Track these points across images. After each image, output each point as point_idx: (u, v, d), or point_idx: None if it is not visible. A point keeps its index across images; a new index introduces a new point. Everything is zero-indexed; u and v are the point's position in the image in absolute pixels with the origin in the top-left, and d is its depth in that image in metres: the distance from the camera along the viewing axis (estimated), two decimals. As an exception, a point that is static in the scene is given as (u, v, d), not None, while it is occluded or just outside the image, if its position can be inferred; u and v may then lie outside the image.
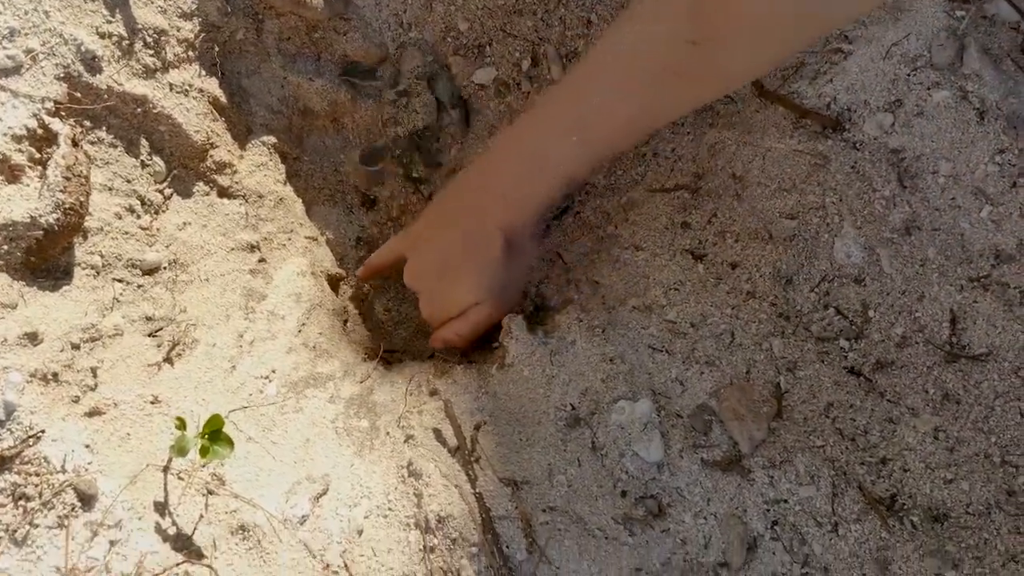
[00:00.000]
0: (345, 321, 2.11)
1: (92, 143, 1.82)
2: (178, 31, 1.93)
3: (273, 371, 1.87)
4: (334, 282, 2.15)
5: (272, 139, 2.13)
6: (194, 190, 2.00)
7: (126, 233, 1.84)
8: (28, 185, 1.68)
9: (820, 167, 1.80)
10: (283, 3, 2.06)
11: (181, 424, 1.58)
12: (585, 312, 1.84)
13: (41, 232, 1.65)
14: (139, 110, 1.86)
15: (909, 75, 1.81)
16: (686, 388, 1.73)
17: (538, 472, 1.69)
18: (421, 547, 1.61)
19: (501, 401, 1.82)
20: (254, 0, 2.06)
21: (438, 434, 1.76)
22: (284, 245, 2.10)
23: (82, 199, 1.71)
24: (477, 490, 1.61)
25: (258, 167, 2.11)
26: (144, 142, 1.91)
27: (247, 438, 1.75)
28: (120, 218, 1.83)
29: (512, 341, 1.87)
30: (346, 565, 1.61)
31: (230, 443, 1.58)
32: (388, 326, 2.34)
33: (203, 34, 1.97)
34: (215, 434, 1.57)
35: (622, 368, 1.74)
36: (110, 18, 1.81)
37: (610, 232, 2.12)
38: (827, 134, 1.82)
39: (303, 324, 2.00)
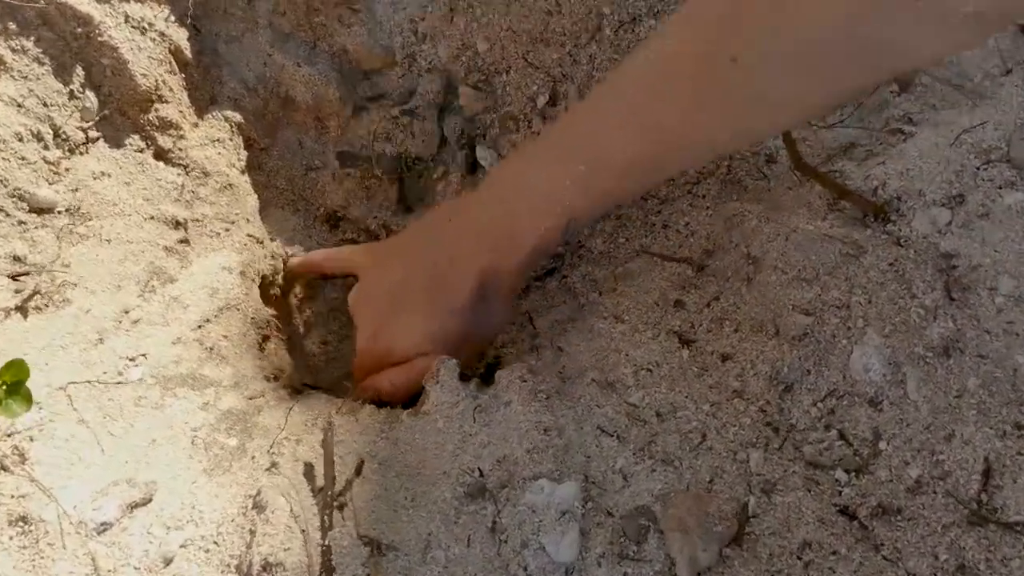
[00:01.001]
0: (265, 338, 1.78)
1: (13, 49, 1.57)
2: (151, -38, 1.71)
3: (145, 356, 1.53)
4: (266, 292, 1.83)
5: (238, 117, 1.87)
6: (127, 142, 1.73)
7: (23, 159, 1.57)
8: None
9: (852, 258, 1.46)
10: (284, -29, 1.83)
11: (-18, 367, 1.25)
12: (533, 374, 1.48)
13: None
14: (80, 31, 1.62)
15: (979, 169, 1.48)
16: (629, 484, 1.35)
17: (412, 540, 1.30)
18: (232, 597, 1.22)
19: (400, 450, 1.46)
20: (253, -41, 1.83)
21: (308, 469, 1.39)
22: (218, 234, 1.80)
23: (-34, 92, 1.44)
24: (327, 542, 1.22)
25: (212, 142, 1.84)
26: (79, 71, 1.66)
27: (79, 419, 1.40)
28: (21, 140, 1.56)
29: (436, 386, 1.52)
30: (135, 599, 1.23)
31: (28, 401, 1.25)
32: (318, 360, 1.99)
33: (181, -24, 1.74)
34: (15, 386, 1.23)
35: (556, 442, 1.37)
36: (71, -82, 1.59)
37: (592, 300, 1.78)
38: (867, 222, 1.48)
39: (207, 321, 1.67)
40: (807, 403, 1.48)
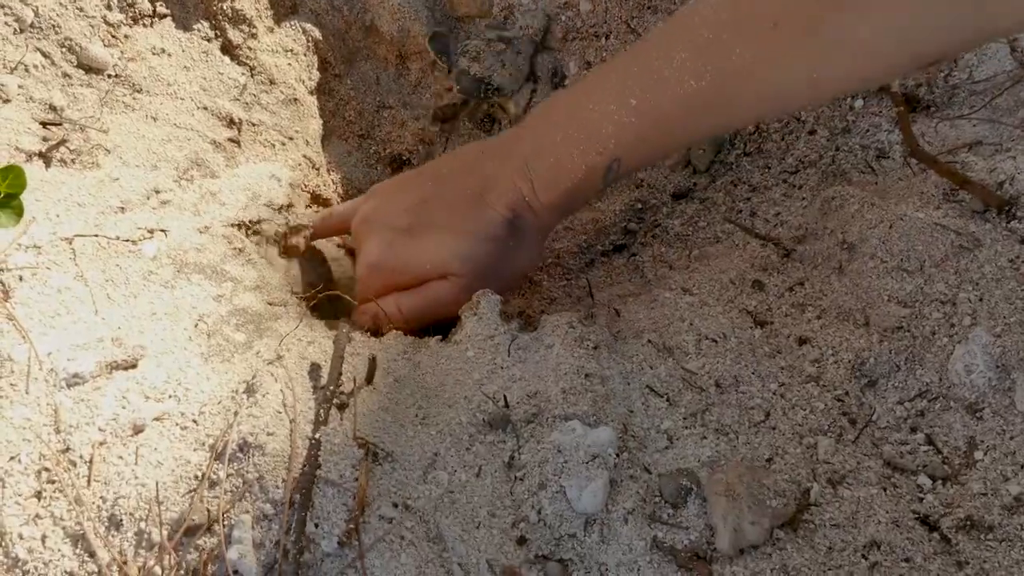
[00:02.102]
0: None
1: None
2: None
3: (165, 233, 1.40)
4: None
5: (317, 33, 1.76)
6: (195, 26, 1.63)
7: (81, 10, 1.48)
8: None
9: (965, 251, 1.27)
10: None
11: (-14, 174, 1.12)
12: (584, 325, 1.31)
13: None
14: None
15: None
16: (673, 446, 1.17)
17: (415, 456, 1.13)
18: (198, 475, 1.05)
19: (420, 371, 1.29)
20: None
21: (314, 369, 1.23)
22: (273, 145, 1.68)
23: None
24: (317, 435, 1.05)
25: (285, 51, 1.73)
26: (160, -61, 1.57)
27: (78, 274, 1.27)
28: (82, -8, 1.47)
29: (472, 318, 1.35)
30: (89, 462, 1.07)
31: (18, 215, 1.12)
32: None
33: None
34: (8, 199, 1.10)
35: (597, 389, 1.19)
36: None
37: (660, 274, 1.60)
38: (988, 216, 1.29)
39: (240, 223, 1.54)
40: (892, 400, 1.28)
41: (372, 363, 1.16)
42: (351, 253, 1.74)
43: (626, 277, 1.71)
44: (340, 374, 1.15)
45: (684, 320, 1.42)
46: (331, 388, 1.12)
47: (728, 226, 1.68)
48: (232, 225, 1.52)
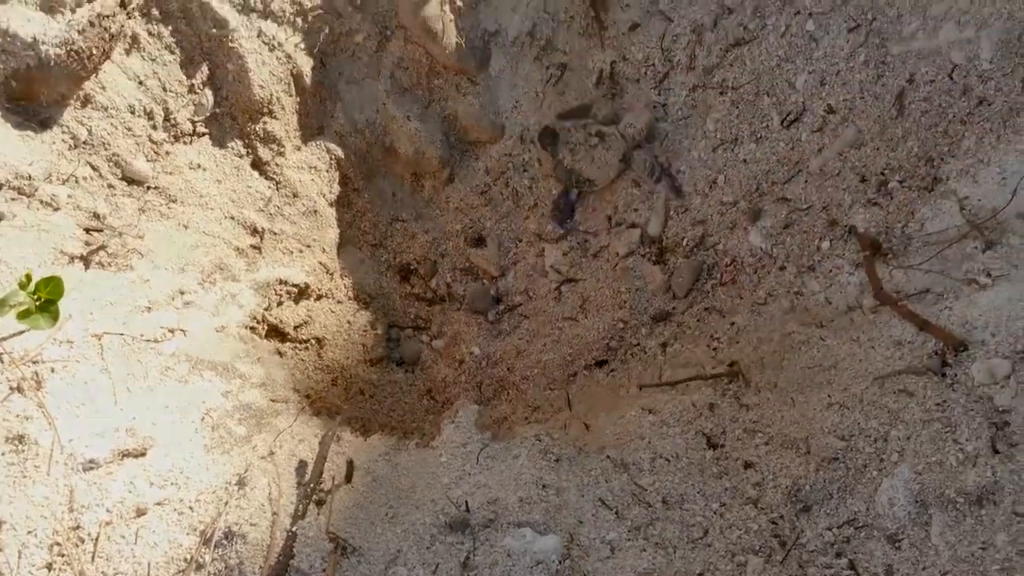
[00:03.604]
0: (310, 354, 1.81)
1: (150, 33, 1.71)
2: (296, -8, 1.85)
3: (185, 333, 1.58)
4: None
5: (340, 153, 1.96)
6: (229, 144, 1.83)
7: (129, 130, 1.68)
8: (55, 19, 1.57)
9: (902, 393, 1.40)
10: (416, 29, 1.95)
11: (26, 281, 1.31)
12: (551, 438, 1.46)
13: (35, 59, 1.51)
14: (214, 31, 1.75)
15: (1050, 330, 1.42)
16: (614, 556, 1.30)
17: (379, 551, 1.27)
18: (187, 558, 1.21)
19: (397, 472, 1.44)
20: (388, 12, 1.96)
21: (301, 465, 1.39)
22: (291, 252, 1.86)
23: (95, 52, 1.57)
24: (295, 529, 1.21)
25: (309, 168, 1.93)
26: (204, 69, 1.78)
27: (103, 367, 1.44)
28: (133, 113, 1.68)
29: (451, 425, 1.51)
30: (96, 539, 1.23)
31: (54, 318, 1.29)
32: (365, 401, 1.99)
33: (320, 12, 1.87)
34: (47, 304, 1.28)
35: (552, 499, 1.33)
36: (235, -63, 1.75)
37: (633, 392, 1.75)
38: (928, 364, 1.44)
39: (256, 323, 1.72)
40: (822, 526, 1.40)
41: (350, 465, 1.32)
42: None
43: (604, 390, 1.85)
44: (322, 472, 1.30)
45: (644, 438, 1.56)
46: (311, 485, 1.28)
47: (698, 350, 1.82)
48: (246, 327, 1.69)
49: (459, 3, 2.00)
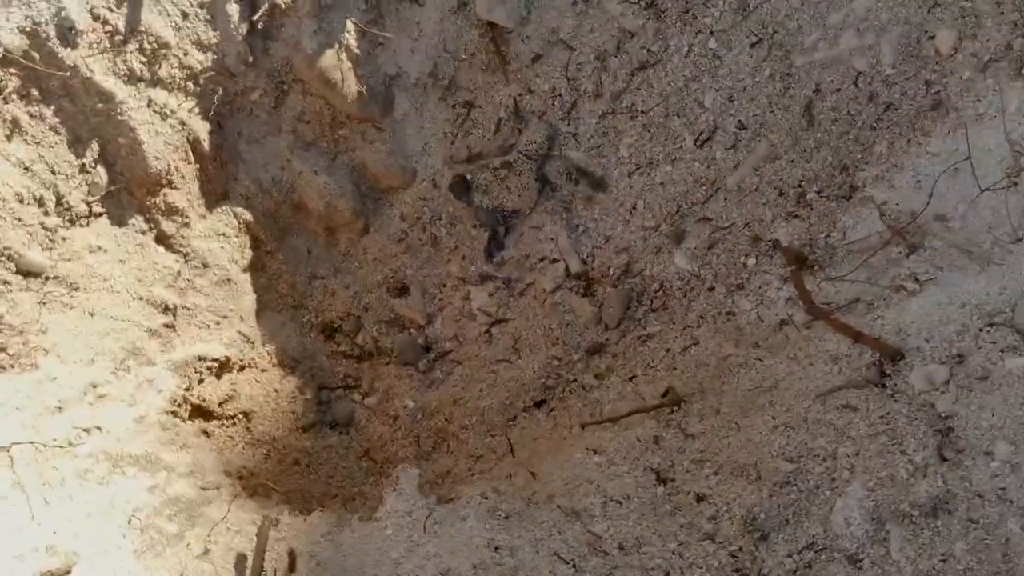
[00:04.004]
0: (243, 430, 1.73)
1: (31, 115, 1.62)
2: (184, 55, 1.77)
3: (100, 430, 1.49)
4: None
5: (248, 216, 1.89)
6: (130, 221, 1.76)
7: (20, 220, 1.59)
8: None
9: (845, 408, 1.39)
10: (314, 81, 1.89)
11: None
12: (497, 493, 1.42)
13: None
14: (101, 106, 1.67)
15: (981, 331, 1.43)
16: (578, 615, 1.25)
17: (333, 645, 1.21)
18: None
19: (342, 553, 1.38)
20: (284, 67, 1.90)
21: (240, 561, 1.31)
22: (207, 326, 1.79)
23: (-28, 145, 1.48)
24: (238, 633, 1.14)
25: (217, 235, 1.86)
26: (95, 146, 1.70)
27: (15, 481, 1.35)
28: (21, 202, 1.59)
29: (393, 494, 1.45)
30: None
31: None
32: (300, 468, 1.91)
33: (211, 73, 1.80)
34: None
35: (507, 562, 1.29)
36: (112, 6, 1.67)
37: (575, 433, 1.72)
38: (867, 375, 1.43)
39: (177, 407, 1.63)
40: (782, 553, 1.38)
41: (291, 556, 1.25)
42: None
43: (546, 432, 1.81)
44: (262, 568, 1.23)
45: (592, 482, 1.52)
46: (253, 584, 1.21)
47: (636, 380, 1.80)
48: (168, 412, 1.61)
49: (356, 50, 1.94)
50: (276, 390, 1.93)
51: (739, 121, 1.95)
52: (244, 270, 1.92)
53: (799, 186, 1.87)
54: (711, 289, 1.86)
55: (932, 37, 1.81)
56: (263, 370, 1.91)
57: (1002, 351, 1.45)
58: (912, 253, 1.69)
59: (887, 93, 1.84)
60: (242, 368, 1.86)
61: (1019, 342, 1.46)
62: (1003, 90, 1.70)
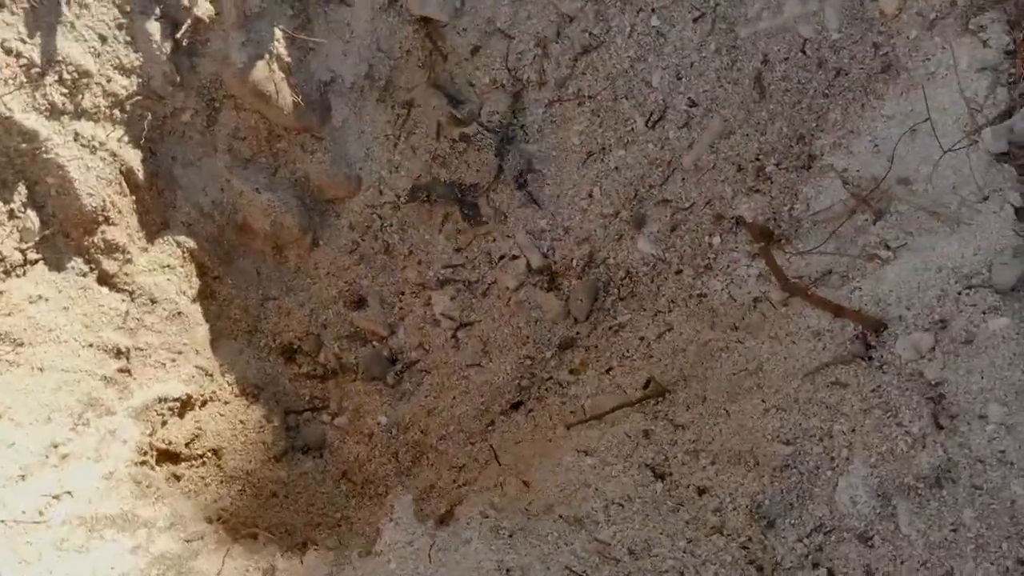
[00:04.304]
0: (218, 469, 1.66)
1: (-49, 165, 1.51)
2: (107, 81, 1.67)
3: (71, 494, 1.41)
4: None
5: (191, 243, 1.80)
6: (68, 265, 1.65)
7: (-49, 280, 1.48)
8: None
9: (835, 385, 1.38)
10: (247, 96, 1.81)
11: None
12: (496, 510, 1.37)
13: None
14: (24, 146, 1.56)
15: (961, 294, 1.43)
16: (600, 629, 1.22)
17: None
18: None
19: (347, 596, 1.32)
20: (214, 83, 1.80)
21: (244, 617, 1.24)
22: (163, 364, 1.70)
23: None
24: None
25: (162, 268, 1.76)
26: (22, 189, 1.59)
27: (-13, 562, 1.26)
28: (-49, 259, 1.48)
29: (390, 524, 1.40)
30: None
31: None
32: (280, 499, 1.84)
33: (138, 98, 1.70)
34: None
35: (519, 584, 1.24)
36: (25, 37, 1.55)
37: (560, 434, 1.68)
38: (852, 349, 1.42)
39: (145, 456, 1.55)
40: (792, 539, 1.37)
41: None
42: None
43: (527, 434, 1.78)
44: (270, 625, 1.17)
45: (589, 485, 1.49)
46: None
47: (611, 373, 1.77)
48: (136, 463, 1.53)
49: (287, 59, 1.85)
50: (242, 421, 1.85)
51: (689, 99, 1.92)
52: (193, 300, 1.83)
53: (757, 160, 1.86)
54: (679, 272, 1.84)
55: (875, -1, 1.81)
56: (226, 402, 1.83)
57: (984, 313, 1.46)
58: (879, 219, 1.69)
59: (836, 59, 1.84)
60: (204, 403, 1.78)
61: (999, 302, 1.47)
62: (952, 47, 1.71)
